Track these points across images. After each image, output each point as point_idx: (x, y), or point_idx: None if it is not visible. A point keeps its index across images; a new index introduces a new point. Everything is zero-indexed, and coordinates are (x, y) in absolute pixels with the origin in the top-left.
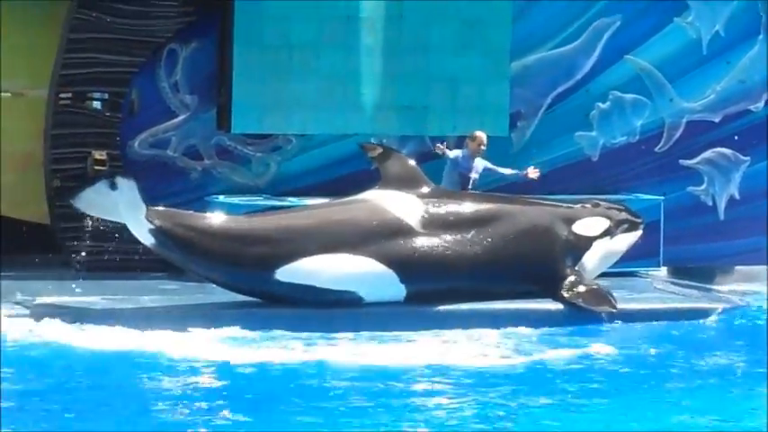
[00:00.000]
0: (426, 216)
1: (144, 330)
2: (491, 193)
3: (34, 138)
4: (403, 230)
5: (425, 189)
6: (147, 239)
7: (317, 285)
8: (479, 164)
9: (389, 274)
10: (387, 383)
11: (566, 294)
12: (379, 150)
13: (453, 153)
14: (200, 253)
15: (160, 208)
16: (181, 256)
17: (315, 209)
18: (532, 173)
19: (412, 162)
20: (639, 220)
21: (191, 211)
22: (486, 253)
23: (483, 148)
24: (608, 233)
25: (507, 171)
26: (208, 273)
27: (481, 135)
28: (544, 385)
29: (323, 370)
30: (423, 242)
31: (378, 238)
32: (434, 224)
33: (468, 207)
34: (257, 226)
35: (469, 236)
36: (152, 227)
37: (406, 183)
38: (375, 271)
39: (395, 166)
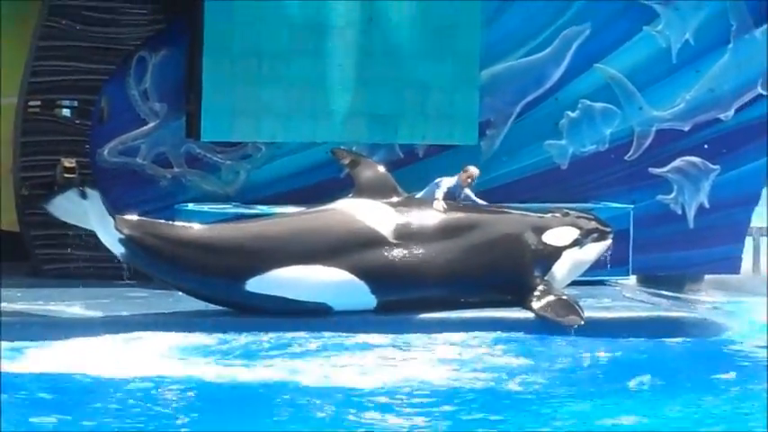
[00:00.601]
0: (397, 225)
1: (109, 339)
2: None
3: (3, 146)
4: (374, 240)
5: (398, 198)
6: (117, 249)
7: (288, 296)
8: (465, 194)
9: (359, 284)
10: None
11: (534, 304)
12: (351, 157)
13: (446, 183)
14: (170, 263)
15: (130, 217)
16: (151, 265)
17: (285, 219)
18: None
19: (383, 170)
20: (609, 230)
21: (161, 220)
22: (456, 262)
23: (471, 181)
24: (577, 243)
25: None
26: (178, 282)
27: (474, 170)
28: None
29: (287, 385)
30: (393, 252)
31: (348, 248)
32: (405, 233)
33: (439, 217)
34: (227, 236)
35: (440, 246)
36: (122, 236)
37: (378, 191)
38: (345, 281)
39: (367, 173)
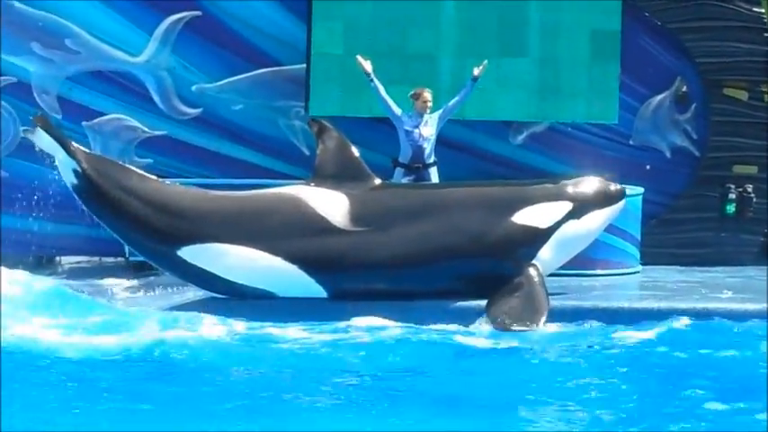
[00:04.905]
0: (351, 215)
1: None
2: (446, 182)
3: None
4: (323, 230)
5: (359, 184)
6: (68, 179)
7: (219, 274)
8: (431, 120)
9: (301, 275)
10: None
11: (490, 309)
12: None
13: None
14: (118, 208)
15: (90, 151)
16: (99, 206)
17: (237, 195)
18: (477, 70)
19: (354, 151)
20: (615, 190)
21: (124, 164)
22: (415, 252)
23: (429, 105)
24: (571, 216)
25: (457, 97)
26: (120, 231)
27: (426, 93)
28: None
29: None
30: (343, 243)
31: (293, 237)
32: (358, 223)
33: (400, 203)
34: (175, 196)
35: (396, 234)
36: (77, 168)
37: (341, 176)
38: (286, 271)
39: (333, 154)
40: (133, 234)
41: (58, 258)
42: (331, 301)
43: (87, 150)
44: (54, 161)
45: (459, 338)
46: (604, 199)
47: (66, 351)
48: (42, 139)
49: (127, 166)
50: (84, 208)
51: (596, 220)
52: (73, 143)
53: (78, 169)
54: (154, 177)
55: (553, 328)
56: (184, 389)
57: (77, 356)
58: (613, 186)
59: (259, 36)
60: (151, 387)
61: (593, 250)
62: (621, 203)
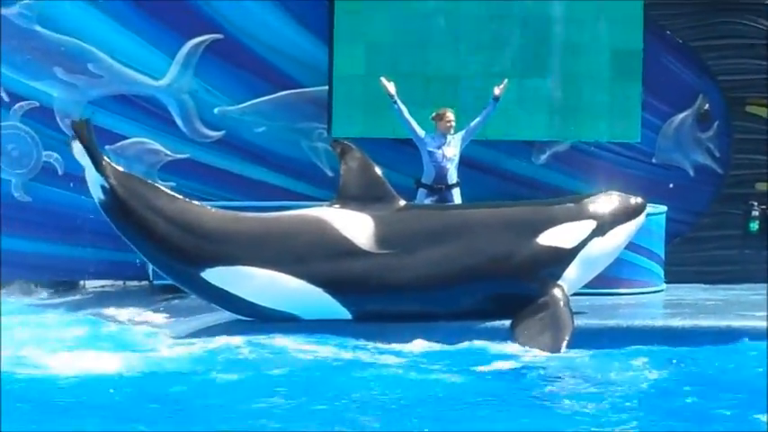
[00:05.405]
0: (375, 236)
1: None
2: (469, 203)
3: None
4: (347, 252)
5: (383, 205)
6: (96, 194)
7: (244, 297)
8: (454, 140)
9: (325, 297)
10: None
11: (515, 329)
12: (346, 152)
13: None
14: (144, 227)
15: (121, 168)
16: (126, 223)
17: (261, 217)
18: (498, 90)
19: (378, 172)
20: (637, 203)
21: (152, 182)
22: (440, 273)
23: (452, 125)
24: (596, 234)
25: (479, 117)
26: (144, 250)
27: (449, 113)
28: None
29: None
30: (368, 263)
31: (316, 259)
32: (383, 244)
33: (424, 225)
34: (201, 218)
35: (420, 256)
36: (104, 183)
37: (364, 197)
38: (309, 293)
39: (356, 175)
40: (158, 254)
41: (81, 282)
42: (356, 323)
43: (117, 166)
44: (78, 184)
45: (483, 360)
46: (627, 213)
47: (86, 374)
48: (77, 150)
49: (155, 184)
50: (112, 226)
51: (620, 235)
52: (105, 158)
53: (106, 185)
54: (181, 197)
55: (578, 349)
56: (207, 412)
57: (98, 379)
58: (634, 200)
59: (281, 58)
60: (171, 410)
61: (617, 269)
62: (643, 216)
